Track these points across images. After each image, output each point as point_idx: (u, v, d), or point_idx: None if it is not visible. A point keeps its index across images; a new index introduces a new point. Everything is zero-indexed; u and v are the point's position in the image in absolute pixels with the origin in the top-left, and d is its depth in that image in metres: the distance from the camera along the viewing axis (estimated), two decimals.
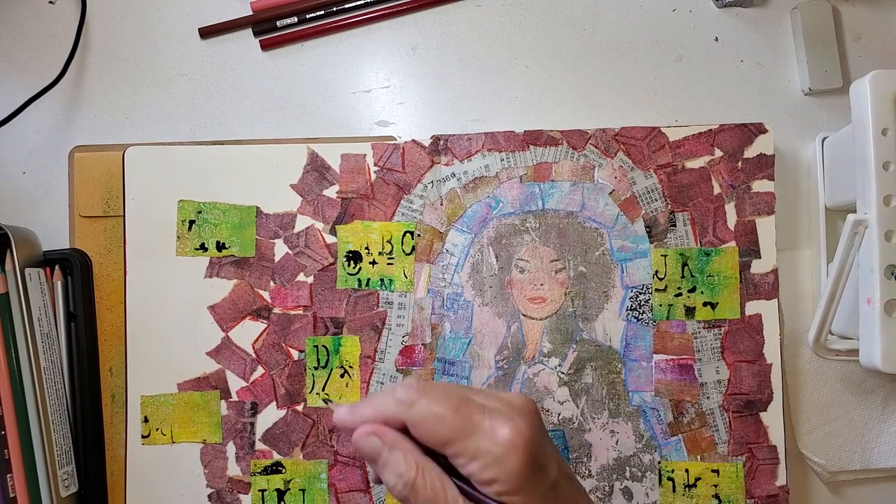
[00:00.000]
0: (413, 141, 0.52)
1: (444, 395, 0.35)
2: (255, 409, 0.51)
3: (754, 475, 0.50)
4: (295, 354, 0.51)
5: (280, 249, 0.52)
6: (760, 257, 0.51)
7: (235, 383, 0.51)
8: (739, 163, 0.51)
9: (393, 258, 0.51)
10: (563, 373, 0.51)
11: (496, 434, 0.33)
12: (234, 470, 0.51)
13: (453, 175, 0.52)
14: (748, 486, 0.50)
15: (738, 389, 0.50)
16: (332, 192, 0.52)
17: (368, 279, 0.51)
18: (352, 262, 0.51)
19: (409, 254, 0.51)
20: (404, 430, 0.36)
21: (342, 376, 0.51)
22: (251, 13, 0.55)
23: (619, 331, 0.51)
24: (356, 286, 0.51)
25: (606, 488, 0.50)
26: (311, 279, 0.51)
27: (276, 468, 0.51)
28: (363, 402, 0.37)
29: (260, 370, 0.51)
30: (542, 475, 0.34)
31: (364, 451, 0.36)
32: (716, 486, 0.50)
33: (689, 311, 0.51)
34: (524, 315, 0.51)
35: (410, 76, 0.55)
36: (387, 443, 0.35)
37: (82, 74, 0.54)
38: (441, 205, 0.52)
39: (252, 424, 0.51)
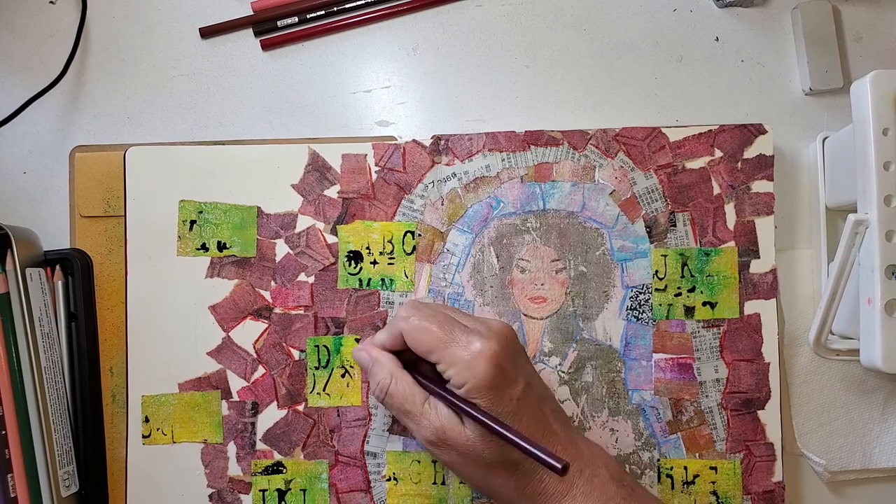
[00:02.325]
0: (414, 141, 0.52)
1: (434, 313, 0.43)
2: (255, 409, 0.51)
3: (751, 472, 0.50)
4: (296, 354, 0.51)
5: (281, 249, 0.52)
6: (759, 257, 0.51)
7: (236, 383, 0.51)
8: (739, 163, 0.51)
9: (394, 258, 0.51)
10: (563, 372, 0.51)
11: (470, 346, 0.41)
12: (234, 470, 0.51)
13: (454, 175, 0.52)
14: (745, 483, 0.50)
15: (736, 388, 0.51)
16: (333, 192, 0.52)
17: (369, 279, 0.51)
18: (353, 261, 0.51)
19: (410, 254, 0.52)
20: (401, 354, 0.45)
21: (343, 376, 0.51)
22: (251, 13, 0.55)
23: (619, 330, 0.51)
24: (357, 286, 0.51)
25: None
26: (312, 279, 0.51)
27: (276, 468, 0.51)
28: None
29: (261, 370, 0.51)
30: (508, 386, 0.41)
31: (358, 363, 0.47)
32: (713, 482, 0.50)
33: (689, 311, 0.51)
34: (525, 315, 0.51)
35: (411, 76, 0.55)
36: (372, 357, 0.45)
37: (82, 74, 0.54)
38: (442, 205, 0.52)
39: (253, 424, 0.51)
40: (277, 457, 0.51)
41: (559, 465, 0.37)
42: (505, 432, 0.40)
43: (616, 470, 0.44)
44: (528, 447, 0.39)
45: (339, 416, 0.51)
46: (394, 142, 0.52)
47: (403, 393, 0.43)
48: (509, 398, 0.41)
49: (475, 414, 0.41)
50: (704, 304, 0.51)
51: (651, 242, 0.51)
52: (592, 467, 0.42)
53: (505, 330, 0.43)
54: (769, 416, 0.50)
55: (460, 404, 0.41)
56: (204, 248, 0.51)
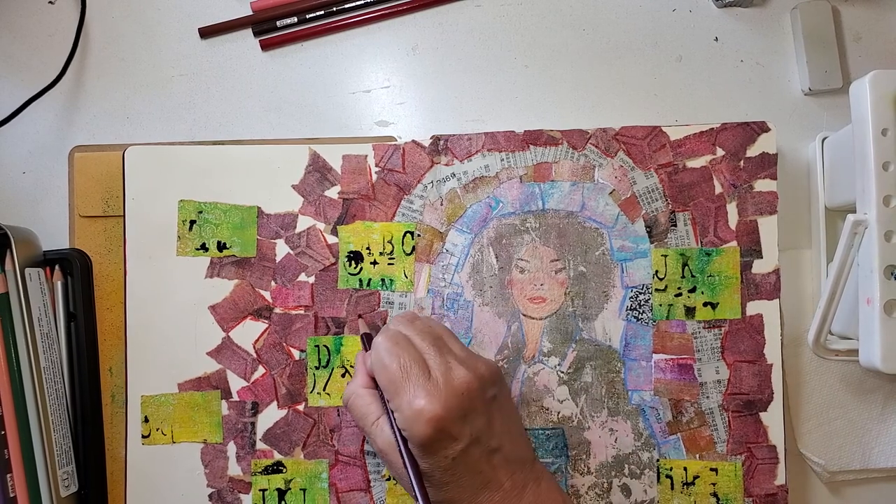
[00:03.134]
0: (413, 141, 0.52)
1: (403, 350, 0.42)
2: (255, 409, 0.51)
3: (753, 474, 0.50)
4: (296, 354, 0.51)
5: (281, 249, 0.52)
6: (762, 257, 0.51)
7: (236, 383, 0.51)
8: (741, 162, 0.51)
9: (393, 258, 0.51)
10: (562, 372, 0.51)
11: (414, 402, 0.40)
12: (234, 470, 0.51)
13: (453, 175, 0.52)
14: (747, 485, 0.50)
15: (737, 389, 0.51)
16: (333, 192, 0.52)
17: (369, 279, 0.51)
18: (353, 262, 0.51)
19: (410, 254, 0.52)
20: None
21: (343, 376, 0.51)
22: (251, 13, 0.55)
23: (618, 330, 0.51)
24: (357, 286, 0.51)
25: (605, 485, 0.50)
26: (312, 279, 0.51)
27: (276, 468, 0.51)
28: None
29: (261, 370, 0.51)
30: (445, 446, 0.40)
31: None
32: (714, 484, 0.50)
33: (689, 311, 0.51)
34: (524, 315, 0.51)
35: (410, 76, 0.55)
36: (357, 367, 0.47)
37: (82, 74, 0.54)
38: (441, 205, 0.52)
39: (253, 424, 0.51)
40: (277, 456, 0.51)
41: None
42: (413, 478, 0.40)
43: None
44: (418, 497, 0.40)
45: (339, 415, 0.51)
46: (393, 142, 0.52)
47: (359, 410, 0.44)
48: (444, 456, 0.40)
49: (403, 456, 0.41)
50: (705, 304, 0.51)
51: (651, 242, 0.51)
52: None
53: (463, 386, 0.41)
54: (771, 419, 0.50)
55: (398, 439, 0.41)
56: (204, 248, 0.51)
